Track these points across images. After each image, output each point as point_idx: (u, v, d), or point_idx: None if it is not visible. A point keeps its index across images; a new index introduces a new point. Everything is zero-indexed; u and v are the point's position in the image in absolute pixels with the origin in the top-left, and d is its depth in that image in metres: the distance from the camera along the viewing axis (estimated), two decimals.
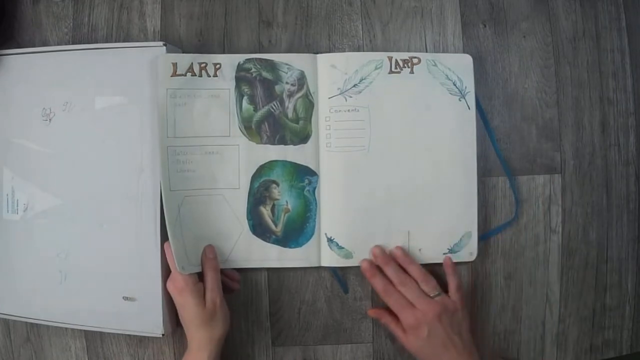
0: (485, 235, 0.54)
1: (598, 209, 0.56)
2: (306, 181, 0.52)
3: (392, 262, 0.51)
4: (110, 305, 0.51)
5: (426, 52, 0.55)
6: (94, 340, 0.55)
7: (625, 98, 0.56)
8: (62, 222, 0.51)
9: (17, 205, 0.52)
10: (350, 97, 0.51)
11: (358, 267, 0.53)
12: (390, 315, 0.51)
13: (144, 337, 0.54)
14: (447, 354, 0.48)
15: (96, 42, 0.55)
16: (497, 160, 0.55)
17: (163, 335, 0.50)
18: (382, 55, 0.52)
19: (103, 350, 0.55)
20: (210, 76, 0.51)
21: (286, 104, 0.51)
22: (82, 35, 0.55)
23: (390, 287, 0.50)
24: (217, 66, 0.51)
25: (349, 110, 0.51)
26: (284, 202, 0.51)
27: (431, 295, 0.49)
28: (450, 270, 0.51)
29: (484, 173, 0.54)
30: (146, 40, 0.55)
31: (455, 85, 0.52)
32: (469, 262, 0.53)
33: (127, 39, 0.55)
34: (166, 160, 0.50)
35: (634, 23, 0.56)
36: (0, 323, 0.56)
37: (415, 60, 0.52)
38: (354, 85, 0.51)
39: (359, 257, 0.52)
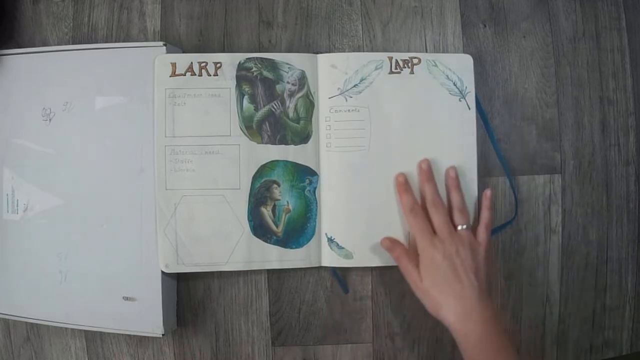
0: None
1: (598, 209, 0.56)
2: (307, 181, 0.52)
3: (433, 180, 0.49)
4: (110, 305, 0.51)
5: (426, 52, 0.55)
6: (94, 340, 0.55)
7: (625, 98, 0.56)
8: (62, 222, 0.51)
9: (17, 205, 0.52)
10: (351, 97, 0.51)
11: (358, 267, 0.53)
12: (404, 248, 0.48)
13: (144, 337, 0.54)
14: (456, 288, 0.44)
15: (96, 42, 0.55)
16: (497, 160, 0.55)
17: (163, 335, 0.50)
18: (382, 56, 0.52)
19: (103, 350, 0.55)
20: (210, 75, 0.51)
21: (287, 103, 0.51)
22: (82, 35, 0.55)
23: (417, 207, 0.48)
24: (218, 65, 0.51)
25: (349, 111, 0.51)
26: (284, 203, 0.51)
27: (458, 227, 0.47)
28: (488, 203, 0.49)
29: (484, 173, 0.54)
30: (146, 40, 0.55)
31: (455, 85, 0.52)
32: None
33: (127, 39, 0.55)
34: (163, 159, 0.50)
35: (634, 23, 0.56)
36: (0, 323, 0.56)
37: (415, 61, 0.52)
38: (354, 86, 0.51)
39: (359, 257, 0.51)
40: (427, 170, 0.50)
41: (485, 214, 0.49)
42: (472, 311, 0.44)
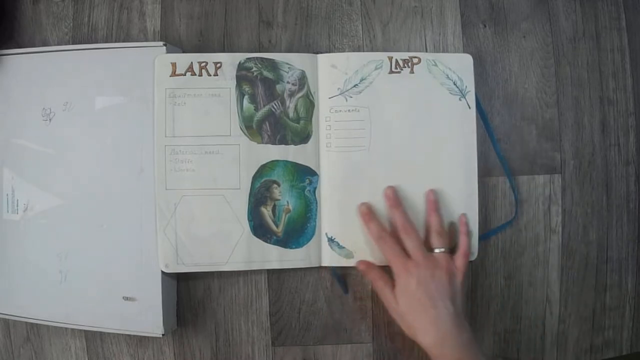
0: (485, 235, 0.54)
1: (598, 209, 0.56)
2: (307, 181, 0.52)
3: (401, 206, 0.48)
4: (110, 305, 0.51)
5: (426, 52, 0.55)
6: (94, 340, 0.55)
7: (625, 98, 0.56)
8: (62, 222, 0.51)
9: (17, 205, 0.52)
10: (351, 97, 0.51)
11: None
12: (380, 271, 0.48)
13: (144, 337, 0.54)
14: (431, 315, 0.44)
15: (96, 42, 0.55)
16: (497, 160, 0.55)
17: (163, 335, 0.50)
18: (382, 55, 0.52)
19: (103, 350, 0.55)
20: (210, 75, 0.51)
21: (287, 103, 0.51)
22: (82, 35, 0.55)
23: (385, 234, 0.47)
24: (218, 65, 0.51)
25: (349, 110, 0.51)
26: (284, 203, 0.51)
27: (435, 250, 0.47)
28: (464, 229, 0.49)
29: (484, 173, 0.54)
30: (146, 40, 0.55)
31: (455, 85, 0.52)
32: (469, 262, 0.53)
33: (127, 39, 0.55)
34: (163, 159, 0.50)
35: (634, 23, 0.56)
36: (0, 323, 0.56)
37: (415, 60, 0.52)
38: (354, 85, 0.51)
39: (360, 257, 0.51)
40: (394, 196, 0.49)
41: (463, 240, 0.49)
42: (448, 336, 0.44)
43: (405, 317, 0.46)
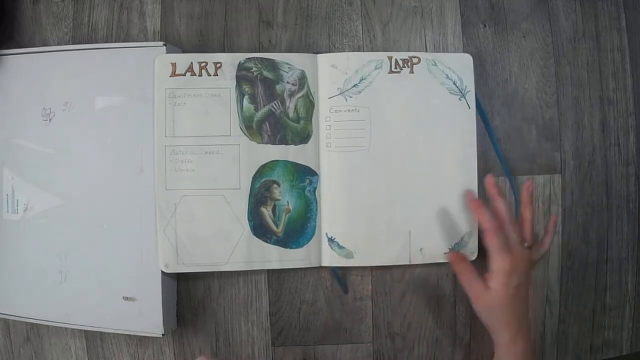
0: None
1: (598, 209, 0.56)
2: (307, 181, 0.52)
3: (503, 196, 0.48)
4: (110, 305, 0.51)
5: (426, 52, 0.55)
6: (94, 340, 0.55)
7: (625, 98, 0.56)
8: (62, 222, 0.51)
9: (17, 205, 0.52)
10: (351, 97, 0.51)
11: (358, 267, 0.53)
12: (470, 264, 0.47)
13: (144, 337, 0.54)
14: (521, 308, 0.45)
15: (96, 42, 0.55)
16: (497, 160, 0.55)
17: (163, 335, 0.50)
18: (382, 55, 0.52)
19: (103, 350, 0.55)
20: (210, 75, 0.51)
21: (287, 103, 0.51)
22: (82, 35, 0.55)
23: (497, 225, 0.46)
24: (218, 65, 0.51)
25: (349, 110, 0.51)
26: (284, 203, 0.51)
27: (525, 244, 0.47)
28: (552, 228, 0.50)
29: (484, 173, 0.54)
30: (146, 40, 0.55)
31: (455, 84, 0.52)
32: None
33: (127, 39, 0.55)
34: (163, 159, 0.50)
35: (634, 23, 0.56)
36: (0, 323, 0.56)
37: (415, 60, 0.52)
38: (354, 85, 0.51)
39: (360, 257, 0.51)
40: (494, 186, 0.48)
41: (547, 240, 0.50)
42: (525, 328, 0.45)
43: (495, 310, 0.46)
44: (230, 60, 0.51)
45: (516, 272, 0.45)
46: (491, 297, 0.45)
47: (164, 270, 0.50)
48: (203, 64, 0.51)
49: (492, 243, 0.45)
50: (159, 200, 0.50)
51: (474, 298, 0.46)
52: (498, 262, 0.45)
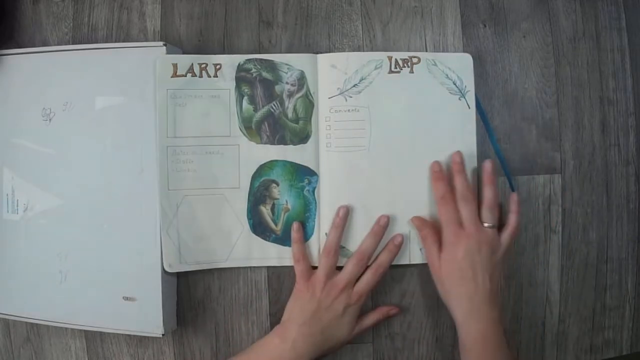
0: None
1: (598, 209, 0.56)
2: (305, 181, 0.52)
3: (465, 174, 0.49)
4: (110, 305, 0.51)
5: (426, 52, 0.55)
6: (94, 340, 0.55)
7: (625, 98, 0.56)
8: (62, 222, 0.51)
9: (17, 205, 0.52)
10: (350, 97, 0.51)
11: None
12: (433, 230, 0.49)
13: (144, 337, 0.54)
14: (469, 287, 0.45)
15: (96, 42, 0.55)
16: (497, 160, 0.55)
17: (163, 335, 0.50)
18: (381, 55, 0.52)
19: (103, 350, 0.55)
20: (210, 76, 0.51)
21: (286, 104, 0.51)
22: (82, 35, 0.55)
23: (449, 196, 0.48)
24: (218, 66, 0.51)
25: (349, 110, 0.51)
26: (283, 202, 0.51)
27: (485, 224, 0.47)
28: (515, 208, 0.50)
29: None
30: (146, 40, 0.55)
31: (455, 84, 0.52)
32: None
33: (127, 39, 0.55)
34: (165, 160, 0.50)
35: (634, 23, 0.56)
36: (0, 323, 0.56)
37: (415, 60, 0.52)
38: (354, 85, 0.51)
39: None
40: (460, 162, 0.50)
41: (512, 219, 0.49)
42: (479, 310, 0.45)
43: (444, 282, 0.47)
44: (229, 62, 0.51)
45: (466, 247, 0.46)
46: (439, 267, 0.47)
47: (167, 270, 0.50)
48: (203, 65, 0.51)
49: (441, 213, 0.48)
50: (161, 201, 0.50)
51: (430, 265, 0.48)
52: (445, 234, 0.47)
